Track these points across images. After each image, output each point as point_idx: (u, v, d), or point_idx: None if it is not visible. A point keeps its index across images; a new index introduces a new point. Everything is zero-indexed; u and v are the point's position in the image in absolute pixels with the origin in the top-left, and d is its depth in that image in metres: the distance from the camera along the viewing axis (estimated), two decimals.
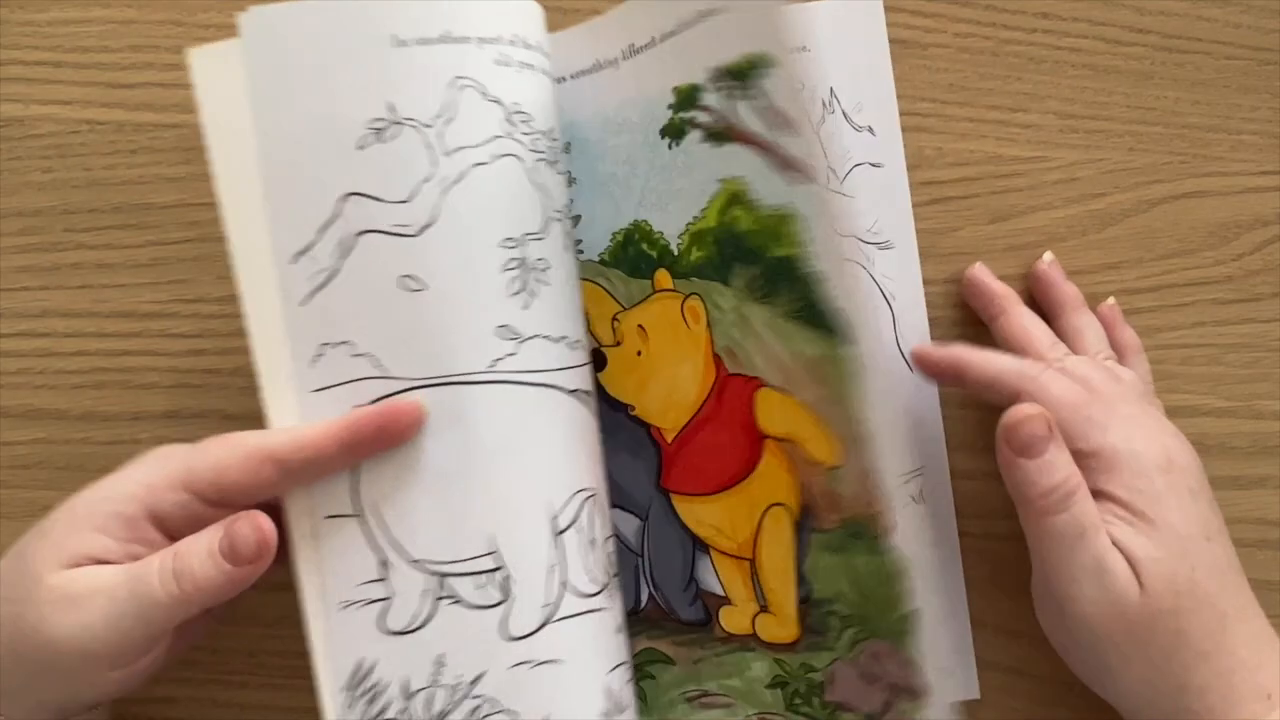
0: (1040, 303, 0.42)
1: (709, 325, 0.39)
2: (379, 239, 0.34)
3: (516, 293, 0.35)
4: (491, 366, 0.35)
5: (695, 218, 0.38)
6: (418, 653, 0.34)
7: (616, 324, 0.40)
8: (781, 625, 0.39)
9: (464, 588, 0.34)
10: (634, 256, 0.40)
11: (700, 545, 0.40)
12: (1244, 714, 0.34)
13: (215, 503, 0.34)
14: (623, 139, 0.39)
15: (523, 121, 0.36)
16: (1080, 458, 0.36)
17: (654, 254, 0.39)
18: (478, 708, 0.34)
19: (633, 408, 0.40)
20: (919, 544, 0.36)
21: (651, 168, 0.39)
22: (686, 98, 0.37)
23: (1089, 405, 0.37)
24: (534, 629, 0.35)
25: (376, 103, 0.34)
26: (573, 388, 0.37)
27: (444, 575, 0.34)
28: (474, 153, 0.35)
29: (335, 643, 0.35)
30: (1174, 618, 0.35)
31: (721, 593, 0.40)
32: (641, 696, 0.41)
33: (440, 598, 0.35)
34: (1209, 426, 0.40)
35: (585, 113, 0.40)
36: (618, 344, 0.40)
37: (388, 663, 0.35)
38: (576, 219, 0.40)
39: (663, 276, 0.39)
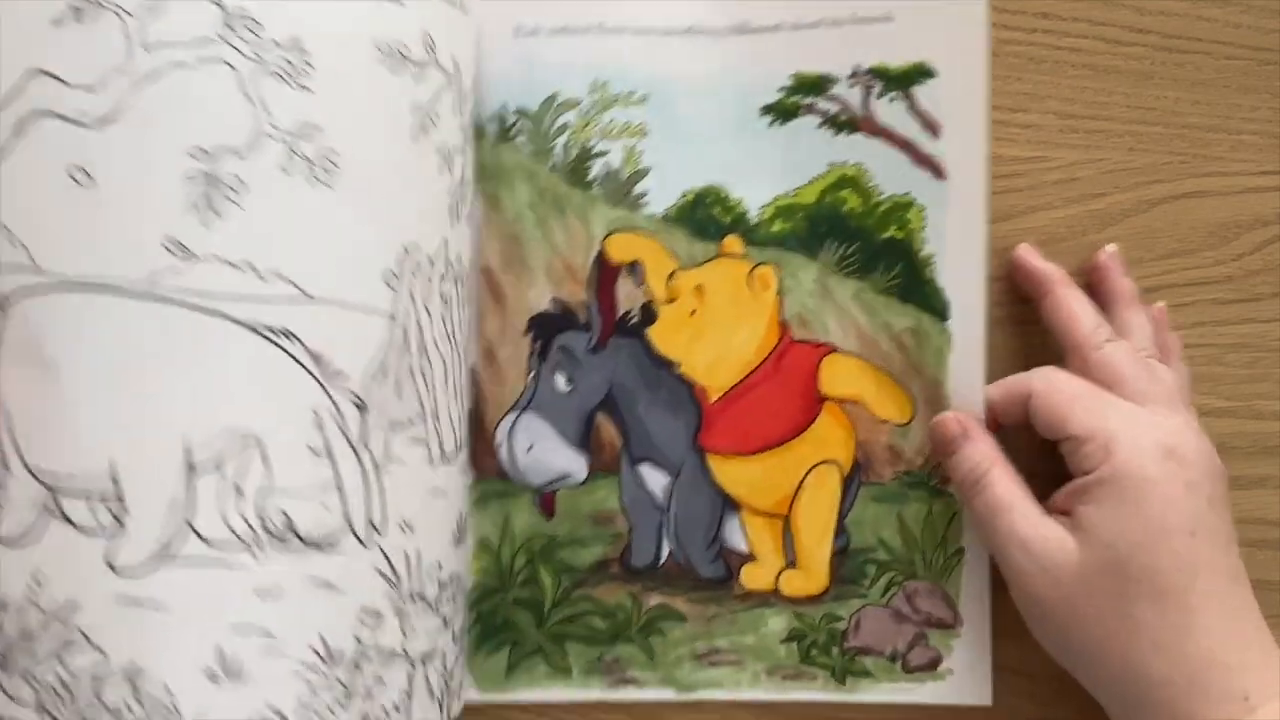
0: (1095, 293, 0.42)
1: (780, 293, 0.41)
2: (57, 124, 0.33)
3: (195, 207, 0.33)
4: (150, 279, 0.33)
5: (786, 193, 0.40)
6: (18, 566, 0.33)
7: (673, 281, 0.41)
8: (808, 579, 0.41)
9: (75, 508, 0.33)
10: (702, 218, 0.41)
11: (731, 503, 0.41)
12: (1217, 714, 0.35)
13: None
14: (711, 104, 0.40)
15: (248, 28, 0.34)
16: (1080, 443, 0.37)
17: (726, 219, 0.41)
18: (68, 639, 0.33)
19: (678, 365, 0.41)
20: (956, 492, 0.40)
21: (740, 138, 0.40)
22: (810, 85, 0.40)
23: (1099, 391, 0.38)
24: (139, 565, 0.33)
25: None
26: (248, 320, 0.34)
27: (57, 490, 0.33)
28: (177, 51, 0.33)
29: None
30: (1120, 600, 0.36)
31: (746, 550, 0.41)
32: (649, 653, 0.41)
33: (49, 512, 0.33)
34: (1209, 426, 0.39)
35: (671, 70, 0.40)
36: (671, 301, 0.41)
37: None
38: (644, 171, 0.41)
39: (733, 242, 0.41)
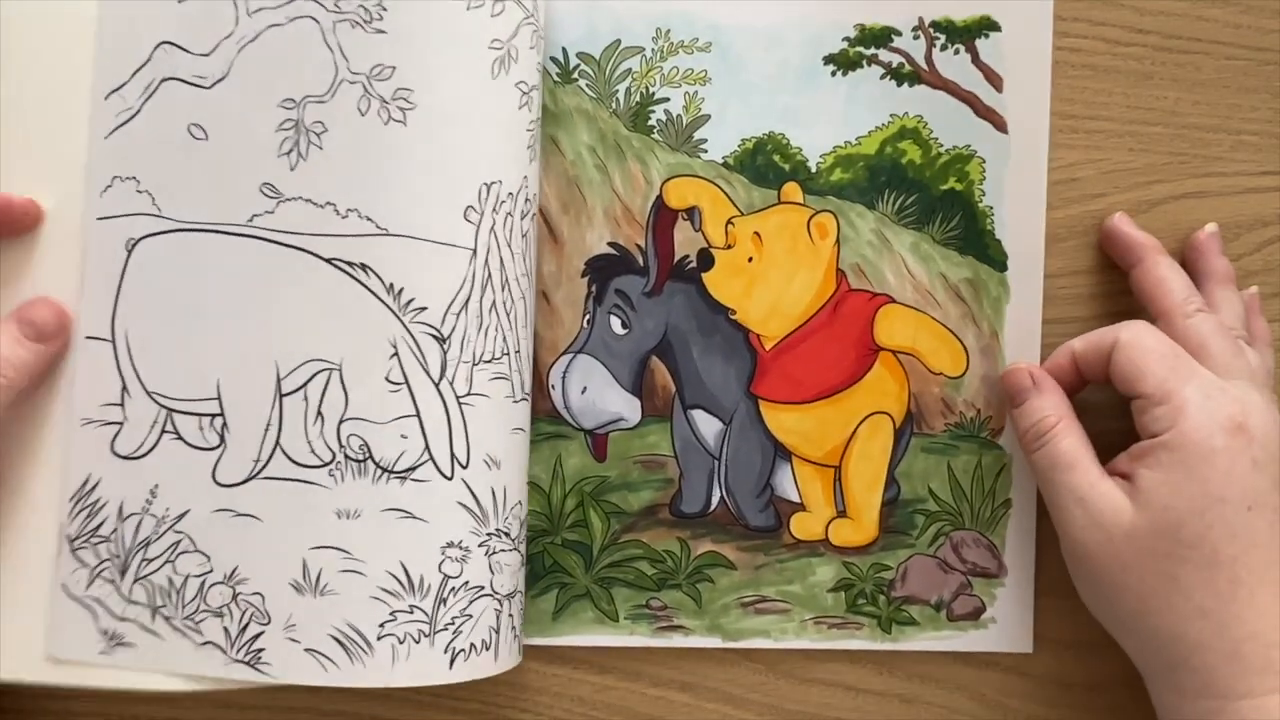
0: (1190, 271, 0.42)
1: (838, 242, 0.41)
2: (178, 87, 0.37)
3: (286, 152, 0.37)
4: (250, 220, 0.37)
5: (848, 142, 0.41)
6: (137, 479, 0.37)
7: (731, 227, 0.41)
8: (857, 529, 0.41)
9: (186, 426, 0.37)
10: (761, 165, 0.41)
11: (782, 452, 0.41)
12: (1256, 684, 0.35)
13: None
14: (773, 54, 0.41)
15: None
16: (1152, 404, 0.37)
17: (786, 167, 0.41)
18: (177, 543, 0.37)
19: (733, 311, 0.41)
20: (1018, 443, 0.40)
21: (803, 87, 0.41)
22: (874, 36, 0.41)
23: (1180, 356, 0.37)
24: (240, 480, 0.37)
25: None
26: (331, 255, 0.37)
27: (171, 410, 0.37)
28: (272, 14, 0.37)
29: (73, 455, 0.38)
30: (1169, 561, 0.36)
31: (796, 499, 0.41)
32: (696, 599, 0.41)
33: (165, 431, 0.37)
34: None
35: (735, 19, 0.41)
36: (729, 247, 0.41)
37: (110, 483, 0.37)
38: (705, 118, 0.41)
39: (792, 189, 0.41)
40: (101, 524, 0.37)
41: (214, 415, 0.37)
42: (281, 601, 0.36)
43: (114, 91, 0.38)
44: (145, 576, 0.37)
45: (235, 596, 0.37)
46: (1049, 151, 0.42)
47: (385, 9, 0.36)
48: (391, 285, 0.36)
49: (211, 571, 0.37)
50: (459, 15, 0.36)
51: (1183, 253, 0.43)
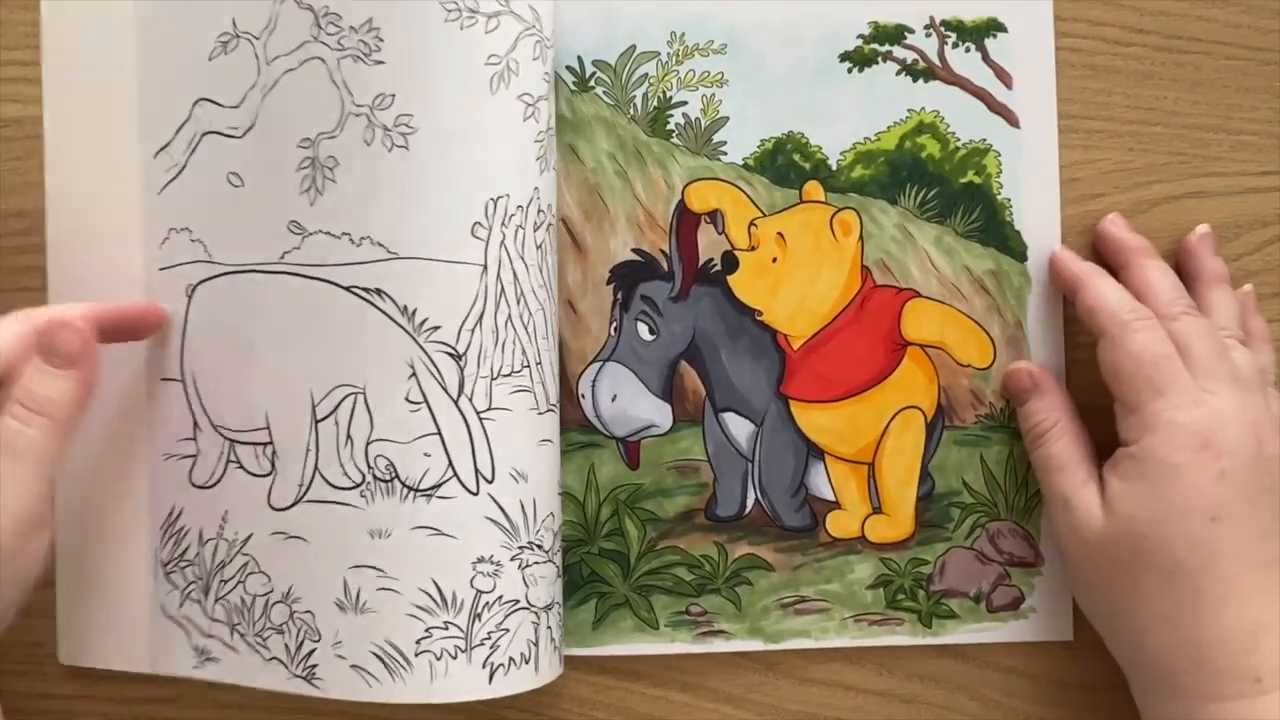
0: (1183, 273, 0.42)
1: (861, 238, 0.41)
2: (216, 139, 0.39)
3: (305, 190, 0.38)
4: (281, 258, 0.38)
5: (867, 139, 0.41)
6: (211, 507, 0.40)
7: (754, 229, 0.41)
8: (894, 525, 0.41)
9: (245, 455, 0.39)
10: (782, 165, 0.41)
11: (815, 451, 0.41)
12: (1225, 689, 0.35)
13: None
14: (790, 53, 0.41)
15: (331, 23, 0.37)
16: (1126, 412, 0.38)
17: (807, 166, 0.41)
18: (245, 564, 0.39)
19: (760, 313, 0.41)
20: None
21: (820, 85, 0.41)
22: (888, 33, 0.41)
23: (1156, 366, 0.37)
24: (289, 504, 0.39)
25: (225, 18, 0.39)
26: (349, 284, 0.38)
27: (233, 442, 0.39)
28: (286, 60, 0.38)
29: (158, 488, 0.40)
30: (1133, 569, 0.36)
31: (831, 498, 0.41)
32: (736, 603, 0.41)
33: (230, 461, 0.39)
34: None
35: (749, 20, 0.41)
36: (752, 248, 0.41)
37: (190, 512, 0.40)
38: (723, 120, 0.41)
39: (814, 188, 0.41)
40: (186, 549, 0.40)
41: (265, 444, 0.39)
42: (329, 619, 0.37)
43: (162, 149, 0.40)
44: (223, 596, 0.39)
45: (292, 615, 0.38)
46: (1056, 148, 0.42)
47: (382, 40, 0.37)
48: (405, 307, 0.37)
49: (272, 591, 0.38)
50: (453, 35, 0.37)
51: (1174, 256, 0.42)
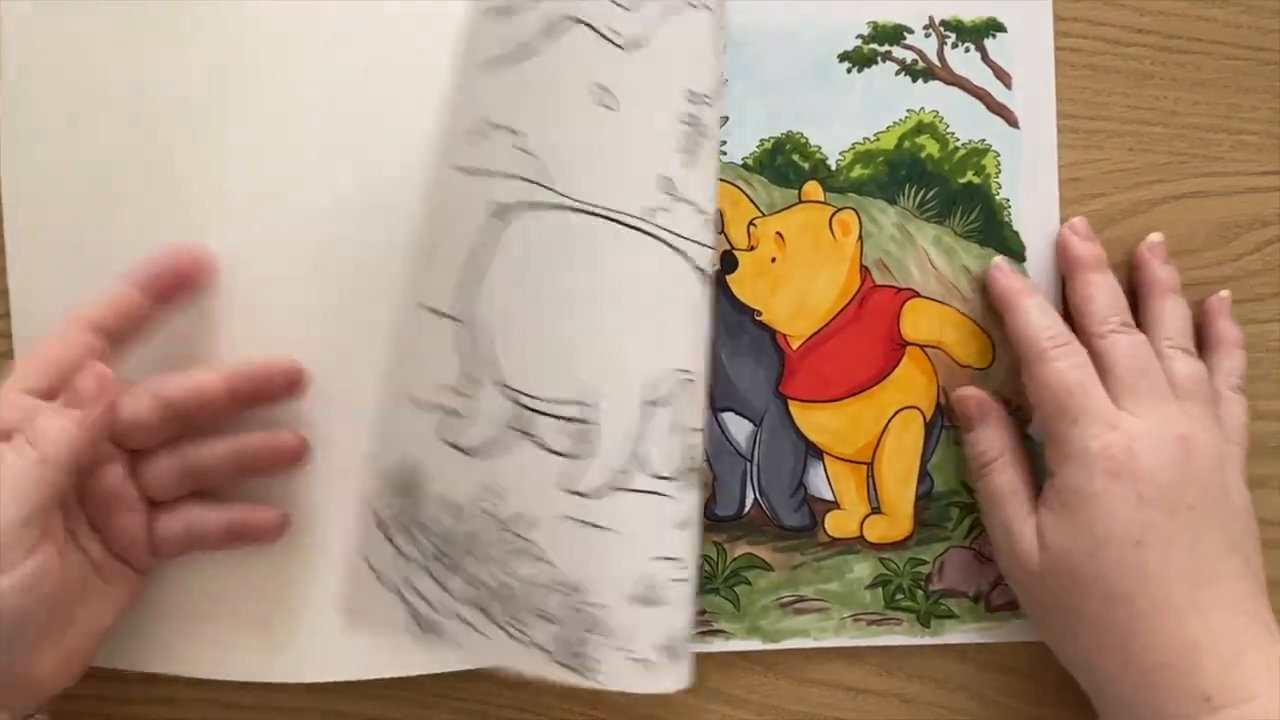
0: (1136, 285, 0.42)
1: (860, 238, 0.41)
2: (589, 35, 0.31)
3: (684, 149, 0.33)
4: (644, 214, 0.33)
5: (866, 139, 0.41)
6: (476, 476, 0.33)
7: (753, 228, 0.41)
8: (893, 525, 0.41)
9: (544, 428, 0.33)
10: (781, 165, 0.41)
11: (814, 451, 0.41)
12: (1176, 710, 0.35)
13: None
14: (789, 52, 0.41)
15: None
16: (1049, 442, 0.38)
17: (806, 166, 0.41)
18: (523, 549, 0.33)
19: (759, 313, 0.41)
20: None
21: (819, 85, 0.41)
22: (887, 33, 0.41)
23: (1070, 394, 0.37)
24: (596, 490, 0.33)
25: None
26: (699, 265, 0.35)
27: (528, 410, 0.33)
28: None
29: (390, 432, 0.33)
30: (1072, 597, 0.37)
31: (830, 498, 0.41)
32: (735, 602, 0.41)
33: (517, 430, 0.33)
34: None
35: (748, 19, 0.40)
36: (751, 248, 0.41)
37: (439, 476, 0.33)
38: (723, 120, 0.41)
39: (813, 188, 0.41)
40: (419, 511, 0.33)
41: (575, 420, 0.33)
42: (622, 613, 0.34)
43: (504, 12, 0.31)
44: (473, 575, 0.34)
45: (572, 605, 0.34)
46: (1055, 149, 0.42)
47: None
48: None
49: (554, 580, 0.34)
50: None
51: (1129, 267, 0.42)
